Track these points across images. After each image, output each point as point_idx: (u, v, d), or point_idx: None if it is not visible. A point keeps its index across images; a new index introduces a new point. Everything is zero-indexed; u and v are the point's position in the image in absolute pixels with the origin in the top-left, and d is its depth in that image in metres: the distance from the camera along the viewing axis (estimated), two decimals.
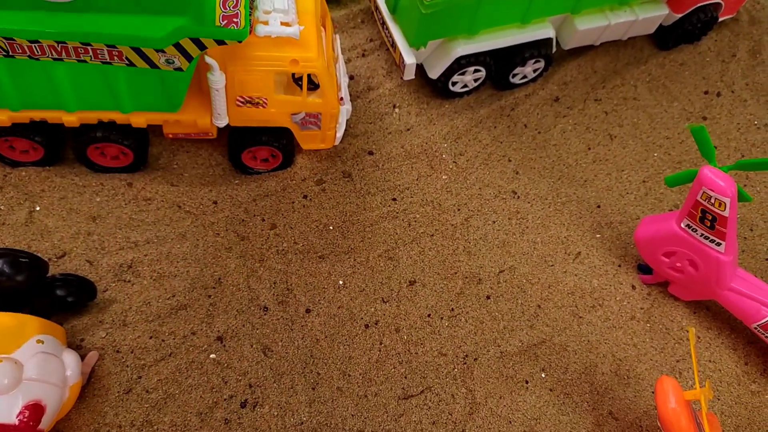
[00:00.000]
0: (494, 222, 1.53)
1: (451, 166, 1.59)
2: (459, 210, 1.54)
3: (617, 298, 1.45)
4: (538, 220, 1.55)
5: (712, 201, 1.17)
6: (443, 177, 1.58)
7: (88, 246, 1.35)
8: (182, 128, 1.38)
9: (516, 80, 1.71)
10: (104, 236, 1.36)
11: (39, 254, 1.32)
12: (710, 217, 1.19)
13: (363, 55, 1.73)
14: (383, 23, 1.63)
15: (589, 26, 1.65)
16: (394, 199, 1.52)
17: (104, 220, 1.39)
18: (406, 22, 1.51)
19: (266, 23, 1.23)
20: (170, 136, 1.42)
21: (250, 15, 1.18)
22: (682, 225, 1.27)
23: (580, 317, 1.41)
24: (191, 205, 1.44)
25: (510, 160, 1.63)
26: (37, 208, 1.38)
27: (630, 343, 1.40)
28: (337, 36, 1.50)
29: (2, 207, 1.37)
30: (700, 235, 1.26)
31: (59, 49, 1.13)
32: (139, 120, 1.32)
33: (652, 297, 1.46)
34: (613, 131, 1.72)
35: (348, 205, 1.50)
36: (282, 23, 1.24)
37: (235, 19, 1.16)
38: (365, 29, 1.78)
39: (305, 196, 1.49)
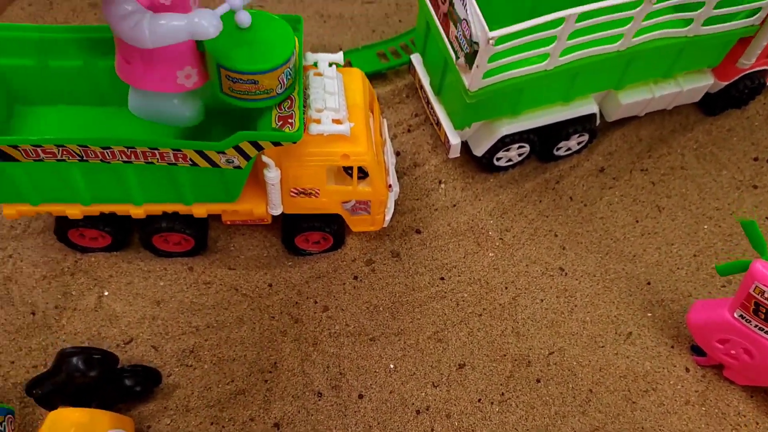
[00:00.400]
0: (542, 300, 1.54)
1: (497, 243, 1.62)
2: (506, 288, 1.55)
3: (671, 382, 1.43)
4: (586, 298, 1.55)
5: (766, 295, 1.16)
6: (490, 254, 1.60)
7: (153, 331, 1.42)
8: (239, 216, 1.45)
9: (560, 152, 1.73)
10: (168, 321, 1.43)
11: (108, 340, 1.40)
12: (764, 310, 1.18)
13: (408, 131, 1.79)
14: (428, 102, 1.68)
15: (633, 100, 1.67)
16: (442, 279, 1.55)
17: (167, 304, 1.46)
18: (450, 105, 1.56)
19: (318, 121, 1.29)
20: (228, 222, 1.49)
21: (303, 114, 1.24)
22: (735, 315, 1.26)
23: (634, 402, 1.40)
24: (248, 288, 1.50)
25: (556, 235, 1.65)
26: (106, 293, 1.46)
27: (685, 429, 1.38)
28: (385, 120, 1.56)
29: (74, 292, 1.46)
30: (755, 326, 1.24)
31: (129, 153, 1.21)
32: (200, 211, 1.39)
33: (706, 379, 1.44)
34: (661, 202, 1.72)
35: (397, 286, 1.53)
36: (333, 120, 1.30)
37: (290, 120, 1.23)
38: (410, 104, 1.84)
39: (355, 277, 1.53)
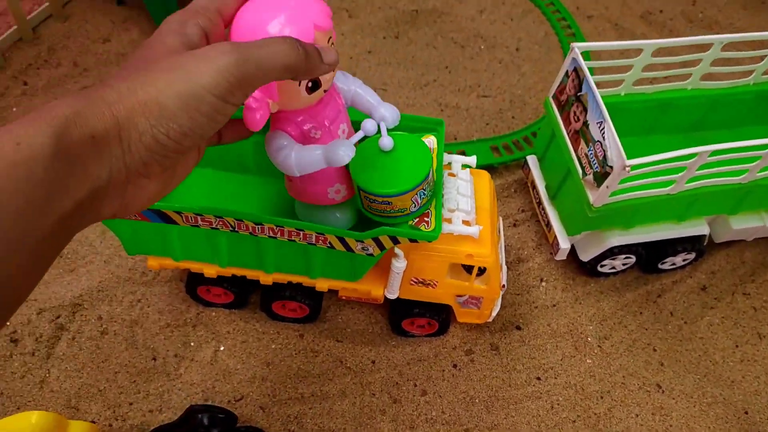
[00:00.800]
0: (637, 416, 1.55)
1: (596, 350, 1.64)
2: (602, 398, 1.57)
3: None
4: (682, 419, 1.55)
5: None
6: (588, 360, 1.63)
7: (262, 392, 1.50)
8: (356, 294, 1.53)
9: (665, 266, 1.76)
10: (276, 384, 1.51)
11: (220, 395, 1.48)
12: None
13: (514, 225, 1.85)
14: (539, 202, 1.75)
15: (744, 226, 1.69)
16: (539, 378, 1.59)
17: (277, 367, 1.54)
18: (566, 212, 1.62)
19: (449, 221, 1.37)
20: (343, 297, 1.58)
21: (441, 215, 1.32)
22: None
23: None
24: (352, 362, 1.57)
25: (655, 350, 1.66)
26: (222, 348, 1.56)
27: None
28: (501, 218, 1.63)
29: (193, 343, 1.56)
30: None
31: (276, 230, 1.32)
32: (323, 285, 1.48)
33: None
34: (762, 330, 1.72)
35: (494, 380, 1.57)
36: (463, 221, 1.38)
37: (426, 219, 1.32)
38: (517, 199, 1.91)
39: (455, 365, 1.59)
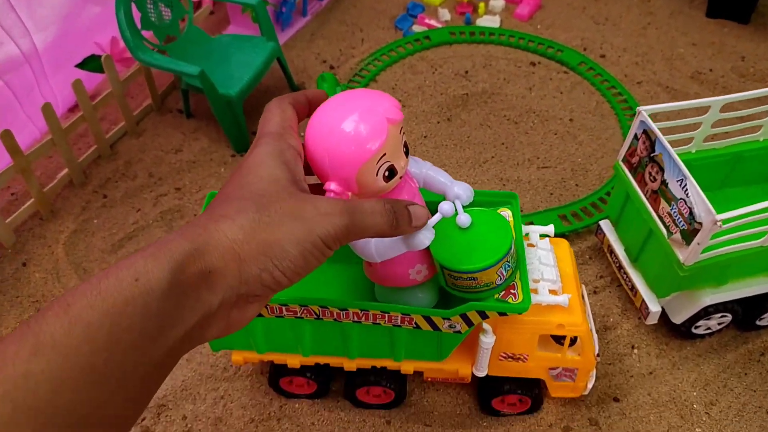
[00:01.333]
0: None
1: (704, 418, 1.53)
2: None
3: None
4: None
5: None
6: (697, 430, 1.51)
7: None
8: (443, 374, 1.49)
9: (763, 323, 1.66)
10: None
11: None
12: None
13: (595, 293, 1.79)
14: (620, 267, 1.70)
15: None
16: None
17: None
18: (653, 274, 1.57)
19: (536, 291, 1.34)
20: (428, 379, 1.53)
21: (529, 287, 1.29)
22: None
23: None
24: None
25: None
26: None
27: None
28: (583, 285, 1.58)
29: None
30: None
31: (361, 315, 1.31)
32: (408, 368, 1.45)
33: None
34: None
35: None
36: (550, 291, 1.34)
37: (512, 291, 1.29)
38: (593, 265, 1.86)
39: None
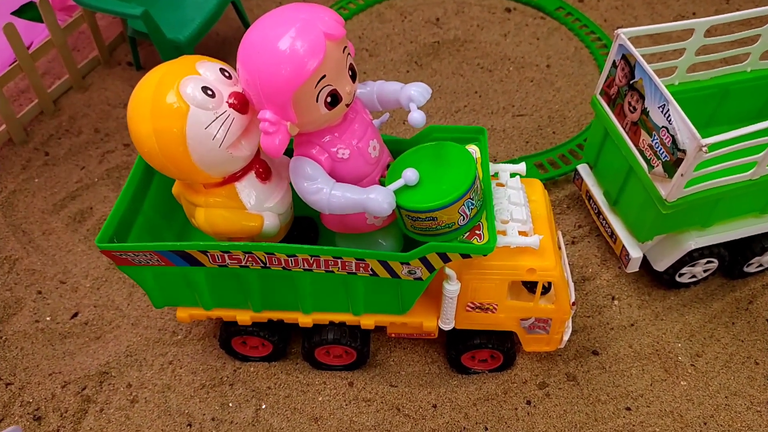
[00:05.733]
0: None
1: (689, 370, 1.43)
2: (705, 424, 1.35)
3: None
4: None
5: None
6: (682, 383, 1.41)
7: None
8: (407, 329, 1.37)
9: (751, 269, 1.55)
10: None
11: None
12: None
13: (573, 243, 1.68)
14: (598, 213, 1.58)
15: None
16: (629, 409, 1.37)
17: (326, 422, 1.36)
18: (633, 216, 1.45)
19: (504, 233, 1.22)
20: (393, 335, 1.41)
21: (495, 225, 1.17)
22: None
23: None
24: (410, 408, 1.38)
25: (757, 363, 1.44)
26: (263, 406, 1.39)
27: None
28: (559, 232, 1.46)
29: (231, 404, 1.40)
30: None
31: (312, 261, 1.18)
32: (368, 322, 1.32)
33: None
34: None
35: (577, 415, 1.36)
36: (519, 232, 1.22)
37: (477, 231, 1.16)
38: (572, 215, 1.74)
39: (529, 402, 1.38)
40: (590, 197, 1.60)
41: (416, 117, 1.08)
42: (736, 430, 1.33)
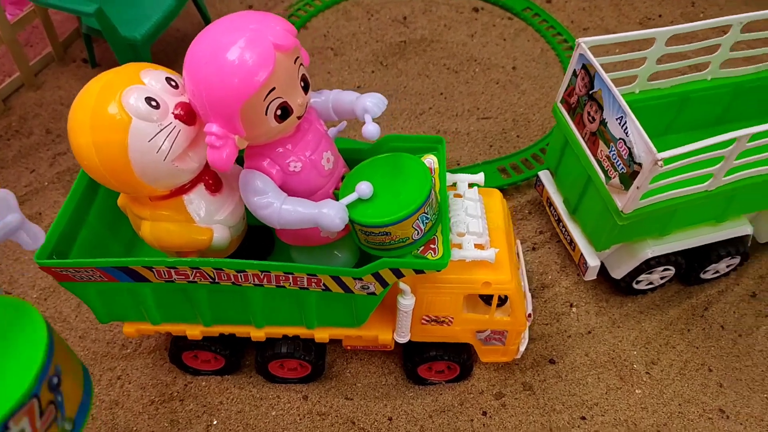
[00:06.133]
0: None
1: (644, 378, 1.43)
2: None
3: None
4: None
5: None
6: (636, 391, 1.41)
7: None
8: (362, 342, 1.35)
9: (707, 276, 1.56)
10: None
11: None
12: None
13: (534, 249, 1.67)
14: (558, 220, 1.57)
15: None
16: (583, 418, 1.37)
17: None
18: (591, 225, 1.44)
19: (460, 246, 1.20)
20: (348, 347, 1.39)
21: (450, 240, 1.15)
22: None
23: None
24: (366, 422, 1.36)
25: (711, 370, 1.45)
26: (215, 422, 1.36)
27: None
28: (518, 241, 1.45)
29: (182, 420, 1.36)
30: None
31: (262, 277, 1.14)
32: (322, 335, 1.30)
33: None
34: None
35: (532, 425, 1.36)
36: (476, 245, 1.20)
37: (432, 246, 1.14)
38: (533, 221, 1.73)
39: (484, 413, 1.37)
40: (551, 204, 1.59)
41: (371, 130, 1.06)
42: None
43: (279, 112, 0.99)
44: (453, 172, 1.57)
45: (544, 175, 1.62)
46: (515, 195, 1.78)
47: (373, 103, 1.11)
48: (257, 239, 1.35)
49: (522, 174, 1.78)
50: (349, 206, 1.08)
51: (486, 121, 1.99)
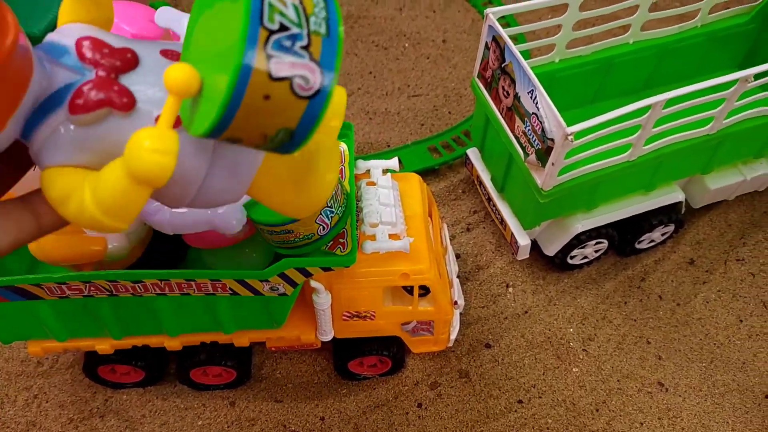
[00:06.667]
0: (642, 424, 1.30)
1: (581, 356, 1.40)
2: (598, 411, 1.33)
3: None
4: (694, 418, 1.31)
5: None
6: (574, 369, 1.38)
7: None
8: (286, 342, 1.28)
9: (642, 245, 1.53)
10: None
11: None
12: None
13: (468, 230, 1.62)
14: (489, 199, 1.52)
15: (722, 184, 1.48)
16: (521, 402, 1.34)
17: None
18: (517, 203, 1.40)
19: (373, 238, 1.14)
20: (273, 349, 1.33)
21: (356, 233, 1.09)
22: None
23: None
24: (297, 424, 1.31)
25: (649, 342, 1.42)
26: None
27: None
28: (445, 224, 1.40)
29: None
30: None
31: (162, 286, 1.07)
32: (241, 340, 1.23)
33: None
34: (766, 297, 1.48)
35: (468, 413, 1.32)
36: (390, 236, 1.14)
37: (341, 240, 1.08)
38: (467, 200, 1.68)
39: (419, 405, 1.33)
40: (481, 183, 1.54)
41: None
42: (627, 414, 1.32)
43: None
44: (368, 158, 1.50)
45: (473, 153, 1.56)
46: (449, 174, 1.72)
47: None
48: (167, 244, 1.27)
49: (453, 152, 1.73)
50: (246, 205, 1.00)
51: (417, 99, 1.92)
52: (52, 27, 1.65)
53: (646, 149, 1.23)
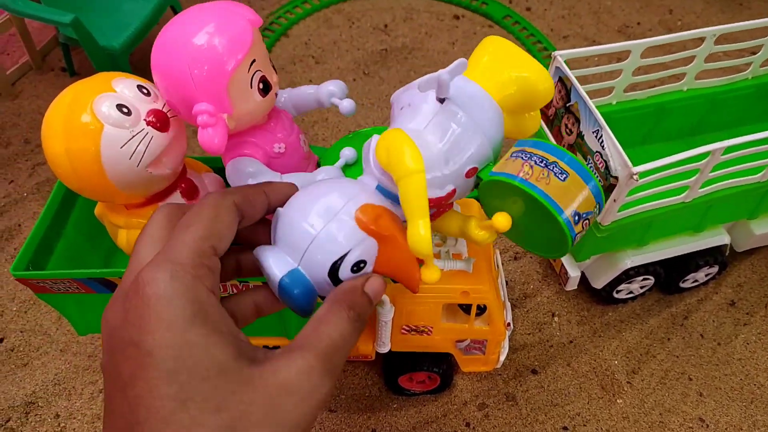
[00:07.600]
0: None
1: (625, 388, 1.44)
2: None
3: None
4: None
5: None
6: (618, 401, 1.42)
7: None
8: None
9: (686, 284, 1.58)
10: None
11: None
12: None
13: (515, 259, 1.68)
14: None
15: (766, 230, 1.52)
16: (565, 429, 1.38)
17: None
18: None
19: (438, 256, 1.20)
20: None
21: None
22: None
23: None
24: None
25: (691, 379, 1.46)
26: None
27: None
28: (497, 251, 1.46)
29: None
30: None
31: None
32: None
33: None
34: None
35: None
36: (453, 255, 1.20)
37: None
38: None
39: (467, 424, 1.38)
40: None
41: (346, 105, 1.11)
42: None
43: (261, 86, 1.02)
44: None
45: None
46: None
47: (336, 86, 1.16)
48: None
49: None
50: (342, 169, 1.11)
51: None
52: (132, 42, 1.77)
53: (700, 192, 1.29)
